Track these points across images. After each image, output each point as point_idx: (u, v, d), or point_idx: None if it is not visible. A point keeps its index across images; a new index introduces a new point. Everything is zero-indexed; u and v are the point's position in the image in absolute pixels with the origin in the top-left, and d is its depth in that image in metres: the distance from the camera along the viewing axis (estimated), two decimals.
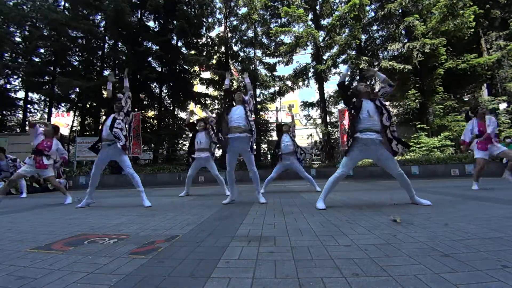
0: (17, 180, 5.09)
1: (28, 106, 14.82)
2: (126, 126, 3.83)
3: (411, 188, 3.01)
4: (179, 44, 15.42)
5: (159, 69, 15.06)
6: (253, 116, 3.86)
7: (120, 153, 3.75)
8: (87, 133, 14.55)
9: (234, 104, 3.62)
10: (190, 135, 5.45)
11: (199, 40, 15.89)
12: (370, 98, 2.97)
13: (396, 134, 3.04)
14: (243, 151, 3.52)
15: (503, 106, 12.62)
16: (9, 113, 14.73)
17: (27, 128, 4.55)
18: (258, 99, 15.98)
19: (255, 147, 3.78)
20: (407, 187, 3.01)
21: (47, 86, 14.08)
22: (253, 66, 15.51)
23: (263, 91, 16.33)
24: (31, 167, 4.48)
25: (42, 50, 14.20)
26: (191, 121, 5.56)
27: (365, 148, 2.92)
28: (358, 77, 15.11)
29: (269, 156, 15.33)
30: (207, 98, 16.32)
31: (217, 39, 16.06)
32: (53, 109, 15.32)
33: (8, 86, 14.19)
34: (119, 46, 14.86)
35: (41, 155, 4.47)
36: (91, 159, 10.98)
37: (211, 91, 16.75)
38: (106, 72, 15.48)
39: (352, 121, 2.94)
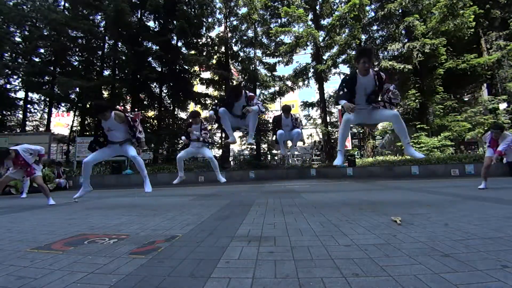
0: (6, 182, 5.01)
1: (28, 106, 14.83)
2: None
3: (406, 134, 3.05)
4: (179, 44, 15.43)
5: (159, 69, 15.07)
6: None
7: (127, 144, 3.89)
8: (87, 133, 14.55)
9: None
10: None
11: (199, 40, 15.89)
12: (368, 73, 2.95)
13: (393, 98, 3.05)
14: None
15: (503, 106, 12.63)
16: (9, 113, 14.73)
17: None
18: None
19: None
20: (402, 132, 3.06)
21: (47, 86, 14.09)
22: (253, 66, 15.52)
23: (263, 91, 16.33)
24: (18, 174, 4.58)
25: (42, 50, 14.22)
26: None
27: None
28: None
29: (269, 156, 15.33)
30: (207, 98, 16.32)
31: (217, 39, 16.07)
32: (53, 109, 15.33)
33: (8, 86, 14.20)
34: (119, 46, 14.88)
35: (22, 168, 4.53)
36: None
37: (211, 91, 16.75)
38: (106, 72, 15.52)
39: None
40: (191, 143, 5.10)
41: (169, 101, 16.60)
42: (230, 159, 15.19)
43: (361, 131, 15.18)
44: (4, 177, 4.60)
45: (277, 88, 16.10)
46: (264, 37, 15.75)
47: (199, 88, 17.50)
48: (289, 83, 15.98)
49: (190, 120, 5.18)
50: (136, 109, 14.20)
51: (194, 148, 5.10)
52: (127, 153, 3.88)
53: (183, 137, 5.14)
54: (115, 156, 4.18)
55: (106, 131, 3.75)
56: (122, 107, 16.36)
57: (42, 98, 14.84)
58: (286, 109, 5.14)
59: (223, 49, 16.20)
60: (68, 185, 9.10)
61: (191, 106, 17.94)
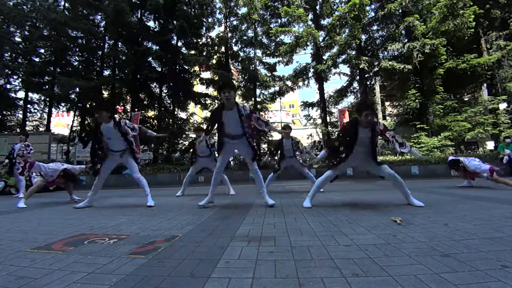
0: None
1: (28, 106, 14.82)
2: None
3: (405, 187, 3.00)
4: (179, 44, 15.42)
5: (159, 69, 15.05)
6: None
7: (129, 157, 3.88)
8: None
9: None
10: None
11: (199, 40, 15.88)
12: (369, 126, 2.92)
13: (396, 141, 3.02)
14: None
15: (503, 106, 12.62)
16: (9, 113, 14.73)
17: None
18: (258, 99, 15.98)
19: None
20: (401, 188, 3.00)
21: (47, 86, 14.08)
22: (253, 66, 15.51)
23: (263, 91, 16.32)
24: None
25: (42, 50, 14.21)
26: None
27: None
28: (358, 77, 15.10)
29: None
30: (207, 98, 16.31)
31: (217, 39, 16.05)
32: (53, 109, 15.32)
33: (8, 86, 14.19)
34: (119, 46, 14.86)
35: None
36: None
37: (211, 91, 16.74)
38: (106, 72, 15.51)
39: (343, 145, 3.01)
40: (199, 159, 5.10)
41: (169, 101, 16.57)
42: (230, 159, 15.18)
43: None
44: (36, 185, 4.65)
45: (277, 88, 16.09)
46: (264, 37, 15.74)
47: (199, 88, 17.49)
48: (289, 83, 15.97)
49: (195, 136, 5.14)
50: (136, 109, 14.20)
51: (203, 163, 5.12)
52: (130, 170, 3.91)
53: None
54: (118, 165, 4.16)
55: (107, 139, 3.69)
56: (122, 107, 16.37)
57: (42, 98, 14.83)
58: (286, 128, 4.82)
59: (223, 49, 16.19)
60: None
61: (191, 106, 17.94)
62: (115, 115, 3.85)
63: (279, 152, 5.14)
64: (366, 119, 2.82)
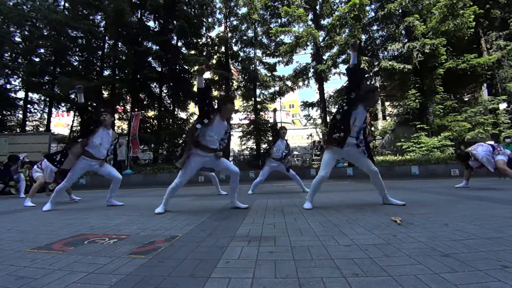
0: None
1: (28, 106, 14.83)
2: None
3: (384, 188, 2.99)
4: (179, 44, 15.43)
5: (159, 69, 15.06)
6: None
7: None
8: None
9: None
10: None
11: (199, 40, 15.89)
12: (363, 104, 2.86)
13: (367, 140, 3.01)
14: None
15: (503, 106, 12.63)
16: (9, 113, 14.74)
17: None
18: (258, 99, 15.97)
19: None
20: (380, 186, 2.99)
21: (47, 86, 14.09)
22: (253, 66, 15.51)
23: (263, 91, 16.33)
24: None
25: (42, 50, 14.22)
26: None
27: (342, 151, 2.90)
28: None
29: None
30: None
31: (217, 39, 16.06)
32: (53, 109, 15.33)
33: (8, 86, 14.20)
34: (119, 46, 14.87)
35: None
36: None
37: None
38: (106, 72, 15.52)
39: (337, 124, 2.87)
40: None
41: (169, 101, 16.59)
42: (230, 159, 15.19)
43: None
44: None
45: (277, 88, 16.09)
46: (264, 37, 15.74)
47: None
48: (289, 83, 15.97)
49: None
50: (136, 109, 14.20)
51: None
52: (110, 172, 3.77)
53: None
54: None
55: (98, 143, 3.50)
56: (122, 107, 16.37)
57: (42, 98, 14.85)
58: (276, 132, 4.96)
59: (223, 49, 16.20)
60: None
61: (191, 106, 17.94)
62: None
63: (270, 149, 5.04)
64: (374, 98, 2.85)
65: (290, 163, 5.10)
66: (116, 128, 16.52)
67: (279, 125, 5.92)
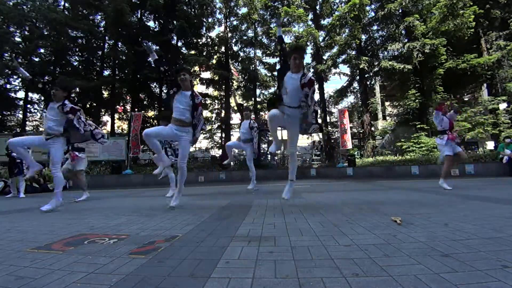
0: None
1: (28, 106, 14.83)
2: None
3: (294, 172, 3.16)
4: (179, 44, 15.43)
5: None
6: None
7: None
8: None
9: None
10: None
11: (199, 40, 15.89)
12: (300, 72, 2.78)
13: (314, 114, 3.00)
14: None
15: (503, 106, 12.62)
16: (9, 113, 14.74)
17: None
18: (258, 99, 15.98)
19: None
20: (292, 168, 3.15)
21: (47, 86, 14.08)
22: (253, 66, 15.52)
23: (263, 91, 16.35)
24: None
25: (42, 50, 14.22)
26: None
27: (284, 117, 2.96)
28: (358, 77, 15.09)
29: (269, 156, 15.30)
30: (207, 98, 16.32)
31: (217, 39, 16.07)
32: None
33: (8, 86, 14.20)
34: (119, 46, 14.88)
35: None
36: (90, 159, 10.99)
37: (211, 91, 16.75)
38: (106, 72, 15.51)
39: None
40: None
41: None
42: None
43: (361, 131, 15.17)
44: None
45: None
46: (264, 37, 15.76)
47: (199, 88, 17.51)
48: None
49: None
50: (136, 109, 14.20)
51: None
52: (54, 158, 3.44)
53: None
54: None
55: (47, 117, 3.36)
56: (122, 107, 16.37)
57: (42, 98, 14.84)
58: (246, 110, 5.56)
59: (223, 49, 16.20)
60: (68, 184, 9.07)
61: None
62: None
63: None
64: (294, 62, 2.72)
65: (256, 150, 5.15)
66: (116, 128, 16.53)
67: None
